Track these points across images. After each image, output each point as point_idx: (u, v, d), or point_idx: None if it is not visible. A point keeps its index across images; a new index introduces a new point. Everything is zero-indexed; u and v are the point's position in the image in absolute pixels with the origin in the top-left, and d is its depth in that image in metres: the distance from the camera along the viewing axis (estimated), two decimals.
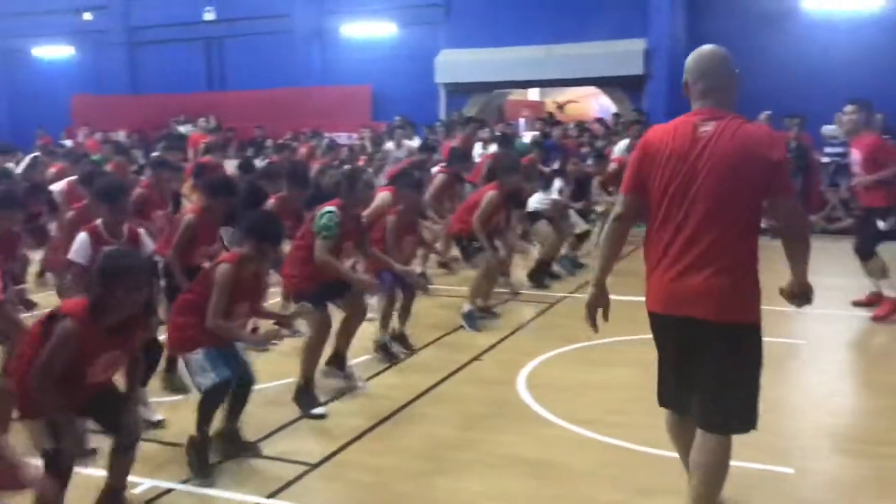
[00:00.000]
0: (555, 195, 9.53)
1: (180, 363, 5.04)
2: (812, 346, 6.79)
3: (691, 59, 3.44)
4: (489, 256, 7.44)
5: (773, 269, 3.65)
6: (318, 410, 5.17)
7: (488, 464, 4.45)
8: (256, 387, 4.61)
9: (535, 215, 9.29)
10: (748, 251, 3.26)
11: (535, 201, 9.29)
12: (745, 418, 3.29)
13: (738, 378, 3.27)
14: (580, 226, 10.07)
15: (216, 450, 4.44)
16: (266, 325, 5.38)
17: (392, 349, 6.41)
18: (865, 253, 7.52)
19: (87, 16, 21.52)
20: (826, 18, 15.22)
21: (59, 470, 3.28)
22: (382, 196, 7.72)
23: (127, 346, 3.54)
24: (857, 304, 7.96)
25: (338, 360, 5.76)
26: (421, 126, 15.81)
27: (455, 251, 8.27)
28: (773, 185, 3.20)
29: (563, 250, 9.86)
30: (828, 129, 12.88)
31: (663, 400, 3.62)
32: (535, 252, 9.45)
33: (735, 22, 15.49)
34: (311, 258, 5.33)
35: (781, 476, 4.26)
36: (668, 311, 3.33)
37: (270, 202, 6.92)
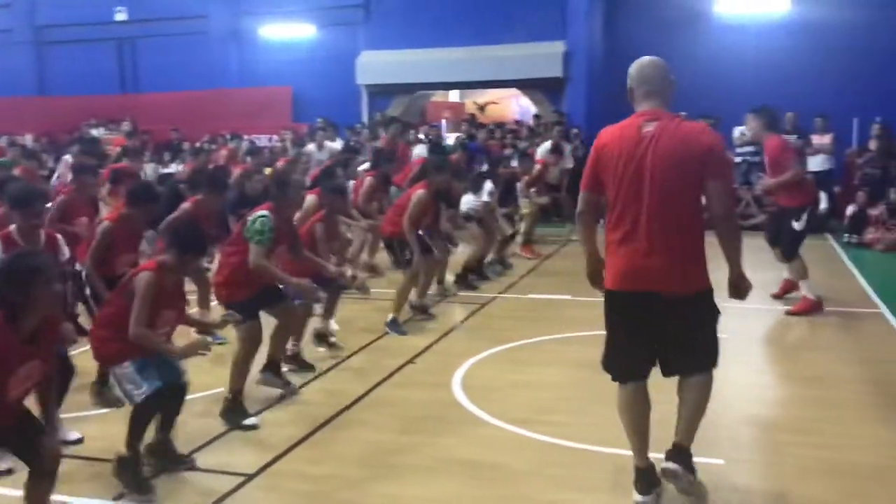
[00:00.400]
0: (485, 197, 9.59)
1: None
2: (735, 340, 6.98)
3: (633, 67, 3.89)
4: (419, 260, 7.42)
5: (710, 267, 3.77)
6: (249, 421, 5.05)
7: (428, 467, 4.43)
8: (187, 397, 4.47)
9: (466, 217, 9.35)
10: (697, 231, 3.72)
11: (465, 203, 9.34)
12: (715, 356, 3.89)
13: (705, 329, 3.84)
14: (507, 228, 10.16)
15: (148, 464, 4.30)
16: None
17: (304, 359, 6.25)
18: (790, 254, 7.78)
19: None
20: (736, 22, 15.77)
21: None
22: (309, 199, 7.66)
23: (43, 354, 3.36)
24: (775, 297, 8.26)
25: (273, 366, 5.64)
26: (343, 128, 15.69)
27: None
28: (707, 169, 3.62)
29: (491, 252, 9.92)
30: (738, 131, 13.35)
31: (620, 374, 3.92)
32: (459, 253, 9.46)
33: (650, 25, 15.89)
34: (242, 264, 5.20)
35: (712, 467, 4.37)
36: (634, 287, 3.73)
37: (186, 206, 6.77)
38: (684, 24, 15.80)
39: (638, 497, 3.86)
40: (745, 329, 7.44)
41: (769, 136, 7.76)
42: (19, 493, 3.55)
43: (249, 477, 4.31)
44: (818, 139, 13.43)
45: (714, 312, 3.87)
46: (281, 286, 5.46)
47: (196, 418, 5.03)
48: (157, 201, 5.95)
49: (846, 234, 11.99)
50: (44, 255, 3.70)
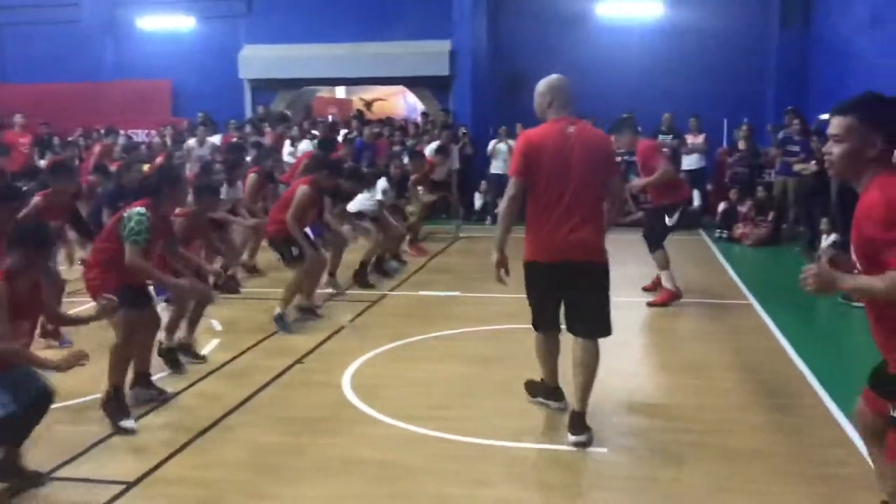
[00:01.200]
0: (379, 196, 9.54)
1: None
2: (616, 332, 7.22)
3: (546, 83, 4.77)
4: (307, 257, 7.30)
5: None
6: (127, 424, 4.83)
7: (321, 468, 4.36)
8: (61, 404, 4.24)
9: (360, 215, 9.28)
10: (602, 214, 4.75)
11: (359, 202, 9.26)
12: (607, 327, 4.78)
13: (604, 300, 4.73)
14: (399, 226, 10.13)
15: None
16: None
17: (178, 358, 6.04)
18: (654, 245, 8.16)
19: None
20: (616, 24, 16.29)
21: None
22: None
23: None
24: (646, 289, 8.63)
25: (142, 380, 5.39)
26: (222, 124, 15.21)
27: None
28: (608, 169, 4.77)
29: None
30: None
31: (540, 326, 4.95)
32: (354, 250, 9.39)
33: (534, 25, 16.25)
34: (115, 261, 4.97)
35: (596, 455, 4.51)
36: (556, 258, 4.62)
37: (37, 200, 6.40)
38: (567, 25, 16.20)
39: (554, 404, 5.13)
40: (622, 319, 7.70)
41: (639, 140, 8.37)
42: None
43: (129, 486, 4.12)
44: (692, 139, 14.05)
45: (608, 285, 4.76)
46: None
47: (71, 425, 4.79)
48: (18, 199, 5.62)
49: (718, 230, 12.60)
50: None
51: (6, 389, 3.86)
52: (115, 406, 4.88)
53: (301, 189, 7.41)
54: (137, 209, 5.04)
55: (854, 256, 2.83)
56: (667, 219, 8.13)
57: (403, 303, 8.38)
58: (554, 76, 4.79)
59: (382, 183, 9.72)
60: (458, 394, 5.56)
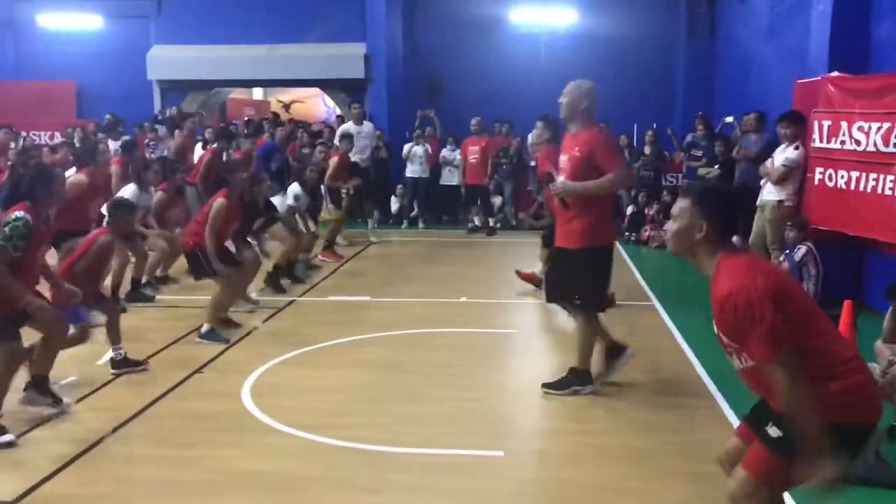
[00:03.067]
0: (290, 201, 9.41)
1: None
2: (523, 335, 7.35)
3: (590, 87, 5.80)
4: (225, 272, 7.10)
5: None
6: (4, 439, 4.63)
7: (213, 481, 4.27)
8: None
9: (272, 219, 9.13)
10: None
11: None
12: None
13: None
14: (308, 233, 10.01)
15: None
16: None
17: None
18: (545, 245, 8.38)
19: None
20: (528, 30, 16.53)
21: None
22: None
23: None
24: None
25: (39, 385, 5.20)
26: (131, 125, 14.77)
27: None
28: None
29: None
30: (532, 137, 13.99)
31: (550, 298, 6.01)
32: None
33: (449, 30, 16.33)
34: None
35: (492, 459, 4.55)
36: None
37: None
38: (480, 29, 16.33)
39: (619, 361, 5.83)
40: (533, 322, 7.83)
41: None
42: None
43: None
44: None
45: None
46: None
47: None
48: None
49: (626, 233, 12.90)
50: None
51: None
52: None
53: (216, 203, 7.14)
54: (16, 213, 4.77)
55: (717, 329, 2.97)
56: None
57: (312, 309, 8.30)
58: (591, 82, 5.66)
59: (295, 188, 9.61)
60: (360, 400, 5.53)
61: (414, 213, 14.84)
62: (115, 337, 6.02)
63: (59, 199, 5.22)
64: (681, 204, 3.00)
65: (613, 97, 15.62)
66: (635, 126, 15.36)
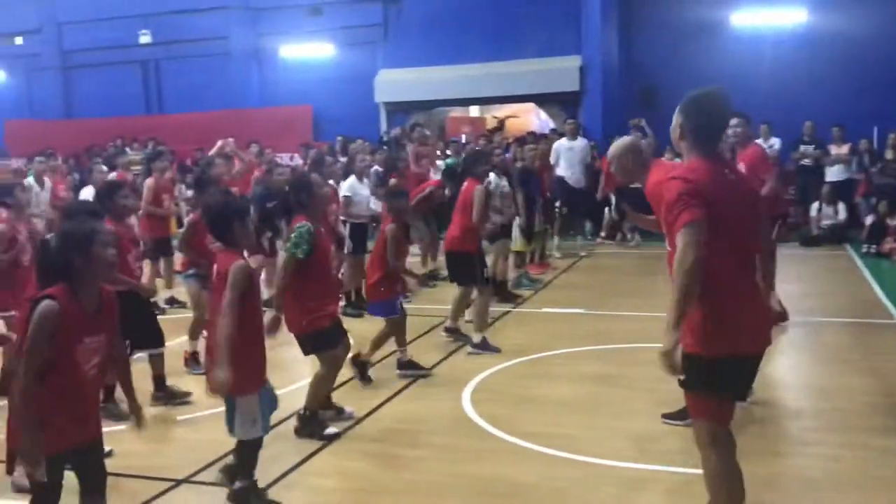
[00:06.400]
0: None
1: (118, 390, 4.83)
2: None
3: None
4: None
5: None
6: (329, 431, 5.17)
7: (435, 482, 4.51)
8: None
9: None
10: None
11: None
12: None
13: None
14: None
15: None
16: None
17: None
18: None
19: (19, 40, 21.06)
20: (752, 33, 15.72)
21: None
22: None
23: (107, 327, 3.34)
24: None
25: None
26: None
27: None
28: None
29: None
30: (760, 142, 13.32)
31: None
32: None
33: (666, 37, 15.96)
34: None
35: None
36: None
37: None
38: (700, 35, 15.80)
39: None
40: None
41: (750, 144, 7.35)
42: None
43: None
44: (836, 149, 13.40)
45: None
46: None
47: None
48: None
49: (865, 245, 11.90)
50: (96, 221, 3.74)
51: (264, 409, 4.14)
52: None
53: (389, 229, 6.57)
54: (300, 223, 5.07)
55: None
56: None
57: (530, 319, 8.44)
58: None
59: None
60: (573, 412, 5.57)
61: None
62: (401, 340, 6.50)
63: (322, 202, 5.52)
64: None
65: (845, 99, 14.58)
66: (875, 129, 14.19)
